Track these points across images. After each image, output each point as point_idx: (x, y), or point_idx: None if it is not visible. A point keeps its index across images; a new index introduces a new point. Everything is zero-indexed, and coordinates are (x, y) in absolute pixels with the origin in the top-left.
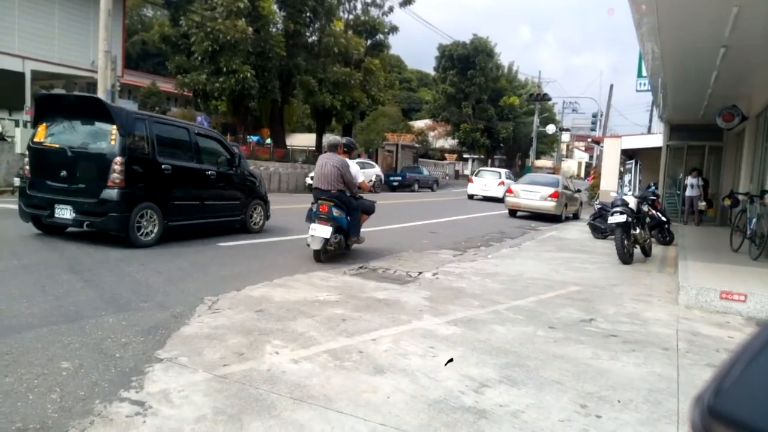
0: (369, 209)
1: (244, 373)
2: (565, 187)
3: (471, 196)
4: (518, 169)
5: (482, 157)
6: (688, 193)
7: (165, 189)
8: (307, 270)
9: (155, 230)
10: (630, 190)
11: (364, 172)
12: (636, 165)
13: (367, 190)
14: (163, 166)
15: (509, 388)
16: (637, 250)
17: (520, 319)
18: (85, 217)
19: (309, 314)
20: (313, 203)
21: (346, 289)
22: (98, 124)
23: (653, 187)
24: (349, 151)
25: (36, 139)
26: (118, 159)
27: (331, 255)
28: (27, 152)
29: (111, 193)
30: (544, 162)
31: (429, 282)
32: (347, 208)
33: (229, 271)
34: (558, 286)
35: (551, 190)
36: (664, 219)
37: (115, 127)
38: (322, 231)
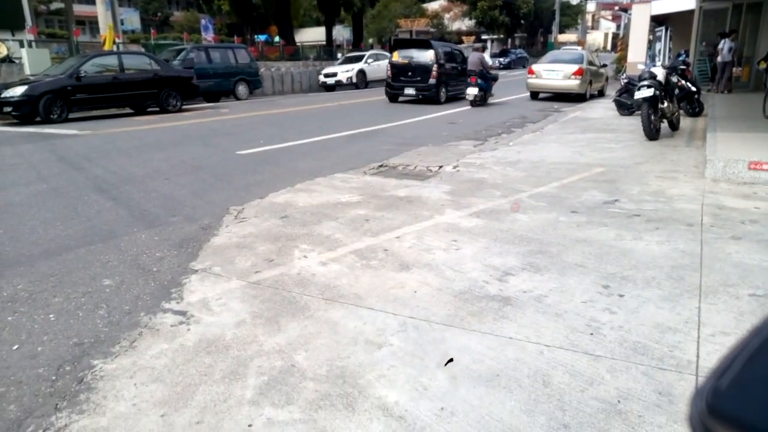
0: (495, 78)
1: (275, 278)
2: (590, 63)
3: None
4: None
5: (502, 36)
6: (724, 58)
7: (447, 80)
8: (327, 173)
9: (446, 95)
10: (659, 60)
11: (378, 64)
12: (666, 32)
13: (493, 69)
14: (447, 66)
15: (532, 275)
16: (665, 125)
17: (542, 206)
18: (419, 93)
19: (333, 217)
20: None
21: (367, 189)
22: (424, 50)
23: (684, 56)
24: (483, 49)
25: (393, 59)
26: (435, 66)
27: (478, 104)
28: (389, 64)
29: (432, 82)
30: (568, 36)
31: (450, 175)
32: (485, 79)
33: (252, 179)
34: (581, 168)
35: (575, 68)
36: (693, 89)
37: (432, 51)
38: (473, 90)
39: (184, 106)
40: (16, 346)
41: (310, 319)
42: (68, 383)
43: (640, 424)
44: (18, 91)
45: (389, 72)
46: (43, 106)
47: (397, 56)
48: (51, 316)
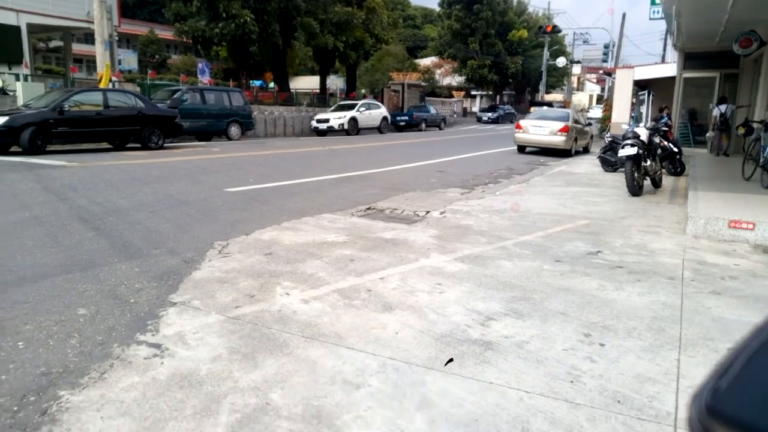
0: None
1: (255, 314)
2: (576, 121)
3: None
4: (528, 105)
5: (490, 93)
6: (717, 120)
7: None
8: (315, 213)
9: None
10: (643, 122)
11: (369, 113)
12: (649, 96)
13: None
14: None
15: (515, 321)
16: (648, 182)
17: (527, 254)
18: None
19: (318, 255)
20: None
21: (354, 230)
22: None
23: (666, 118)
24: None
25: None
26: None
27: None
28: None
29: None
30: (555, 96)
31: (436, 221)
32: None
33: (238, 216)
34: (566, 220)
35: (561, 125)
36: (675, 150)
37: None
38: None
39: (174, 144)
40: None
41: (288, 357)
42: (30, 414)
43: None
44: None
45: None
46: (28, 137)
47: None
48: (20, 343)
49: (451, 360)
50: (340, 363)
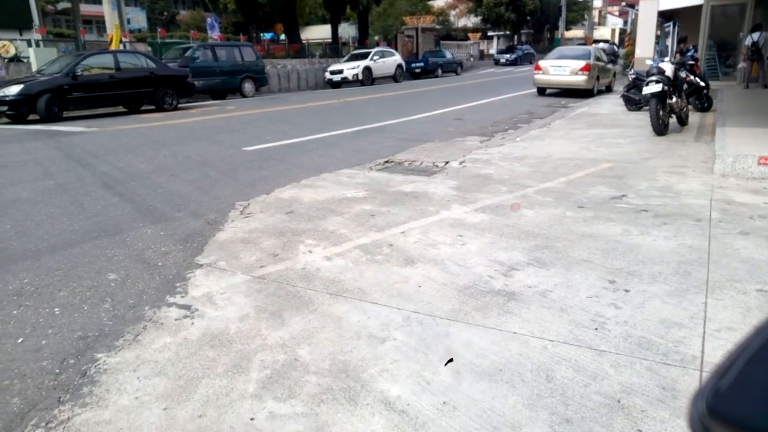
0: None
1: (280, 272)
2: (597, 58)
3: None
4: (547, 43)
5: (508, 33)
6: (748, 49)
7: None
8: (333, 168)
9: None
10: (668, 56)
11: (383, 61)
12: (674, 28)
13: None
14: None
15: (538, 270)
16: (673, 120)
17: (549, 201)
18: None
19: (338, 212)
20: None
21: (373, 185)
22: None
23: (692, 51)
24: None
25: None
26: None
27: None
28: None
29: None
30: (575, 32)
31: (456, 171)
32: None
33: (257, 175)
34: (588, 164)
35: (582, 63)
36: (702, 84)
37: None
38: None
39: (188, 104)
40: (20, 339)
41: (314, 314)
42: (72, 376)
43: (642, 419)
44: (13, 90)
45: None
46: (45, 104)
47: None
48: (56, 309)
49: (451, 360)
50: (365, 318)
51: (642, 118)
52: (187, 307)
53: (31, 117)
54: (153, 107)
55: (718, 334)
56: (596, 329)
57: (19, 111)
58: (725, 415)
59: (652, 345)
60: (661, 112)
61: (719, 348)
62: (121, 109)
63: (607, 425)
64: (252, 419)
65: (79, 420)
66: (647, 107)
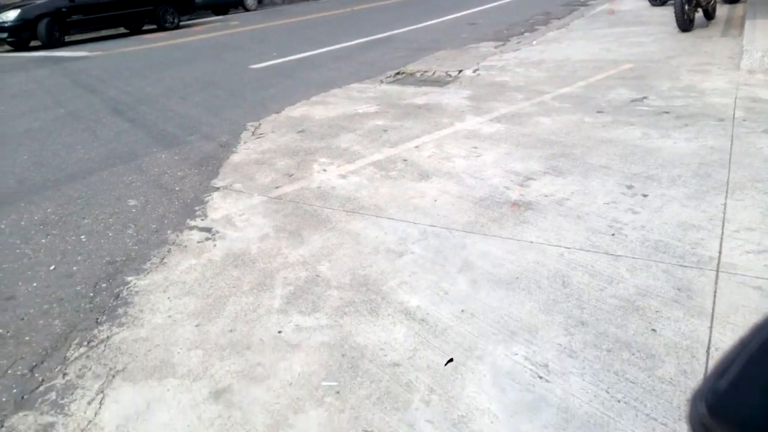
0: None
1: (296, 192)
2: None
3: None
4: None
5: None
6: None
7: None
8: (343, 83)
9: None
10: None
11: None
12: None
13: None
14: None
15: (554, 179)
16: (699, 14)
17: (566, 108)
18: None
19: (350, 129)
20: None
21: (384, 99)
22: None
23: None
24: None
25: None
26: None
27: None
28: None
29: None
30: None
31: (470, 80)
32: None
33: (266, 94)
34: (609, 66)
35: None
36: None
37: None
38: None
39: (191, 22)
40: (52, 267)
41: (332, 231)
42: (105, 299)
43: (657, 319)
44: (11, 15)
45: None
46: (45, 29)
47: None
48: (82, 237)
49: (450, 360)
50: (382, 233)
51: (666, 14)
52: (207, 230)
53: (33, 44)
54: (154, 27)
55: (737, 234)
56: (613, 235)
57: (20, 38)
58: (724, 415)
59: (668, 248)
60: (686, 7)
61: (737, 248)
62: (122, 30)
63: (622, 326)
64: (280, 332)
65: (118, 338)
66: (672, 2)
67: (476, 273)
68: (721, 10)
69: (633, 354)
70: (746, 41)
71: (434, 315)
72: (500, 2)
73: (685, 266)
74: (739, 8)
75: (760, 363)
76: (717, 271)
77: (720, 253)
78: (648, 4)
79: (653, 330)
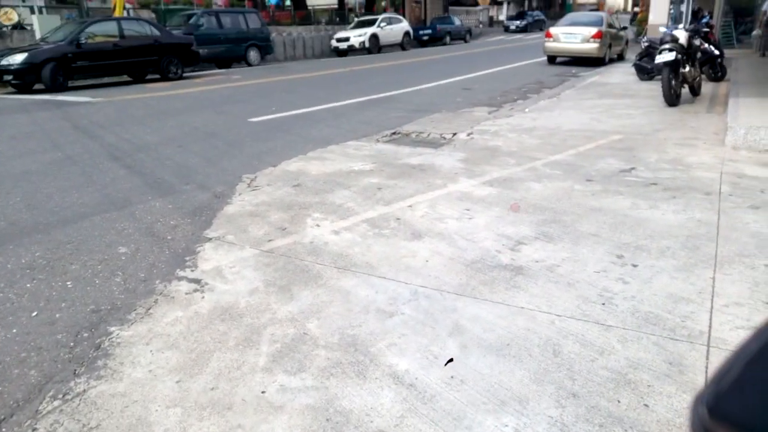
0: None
1: (288, 246)
2: (610, 25)
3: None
4: (559, 9)
5: None
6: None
7: None
8: (340, 140)
9: None
10: (682, 23)
11: (391, 28)
12: None
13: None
14: None
15: (545, 244)
16: (686, 90)
17: (557, 174)
18: None
19: (345, 185)
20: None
21: (380, 157)
22: None
23: (707, 18)
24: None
25: None
26: None
27: None
28: None
29: None
30: None
31: (463, 143)
32: None
33: (264, 147)
34: (598, 136)
35: (594, 31)
36: (717, 53)
37: None
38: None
39: (194, 74)
40: (35, 313)
41: (322, 288)
42: (86, 349)
43: (649, 394)
44: (18, 58)
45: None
46: (50, 73)
47: None
48: (68, 283)
49: (450, 360)
50: (373, 292)
51: (654, 88)
52: (197, 281)
53: (37, 87)
54: (158, 76)
55: (726, 309)
56: (604, 304)
57: (25, 80)
58: (726, 417)
59: (659, 320)
60: (673, 82)
61: (727, 323)
62: (125, 78)
63: (614, 400)
64: (263, 392)
65: (94, 392)
66: (659, 76)
67: (467, 337)
68: (706, 87)
69: (626, 430)
70: (730, 118)
71: (423, 380)
72: (494, 70)
73: (676, 339)
74: (723, 86)
75: (760, 365)
76: (708, 345)
77: (710, 327)
78: (636, 77)
79: (645, 405)
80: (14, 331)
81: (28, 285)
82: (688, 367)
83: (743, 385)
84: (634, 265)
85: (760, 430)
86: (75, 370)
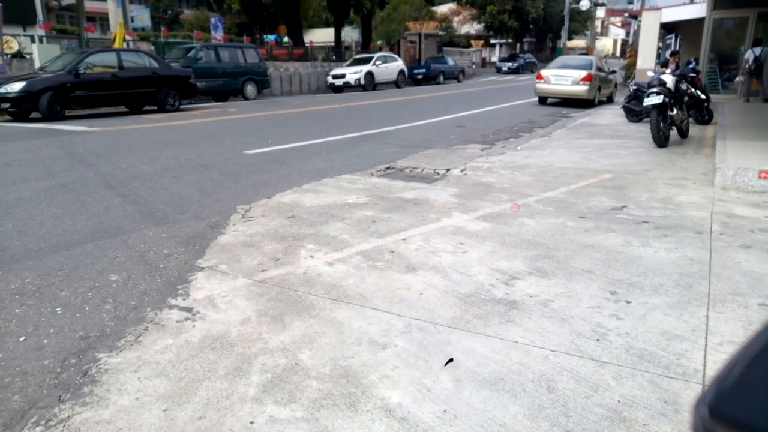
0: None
1: (281, 277)
2: (599, 69)
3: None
4: (549, 52)
5: (510, 41)
6: (749, 63)
7: None
8: (334, 173)
9: None
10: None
11: (386, 66)
12: (676, 40)
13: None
14: None
15: (539, 279)
16: (674, 132)
17: (549, 211)
18: None
19: (339, 217)
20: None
21: (374, 191)
22: None
23: (693, 63)
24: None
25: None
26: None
27: None
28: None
29: None
30: (577, 42)
31: (457, 179)
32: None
33: (259, 179)
34: (589, 174)
35: (583, 73)
36: (703, 97)
37: None
38: None
39: (190, 105)
40: (22, 338)
41: (315, 319)
42: (73, 376)
43: None
44: (16, 87)
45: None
46: (47, 102)
47: None
48: (58, 309)
49: (451, 360)
50: (366, 324)
51: (643, 130)
52: (188, 310)
53: (33, 115)
54: (155, 107)
55: (720, 347)
56: (597, 340)
57: (21, 108)
58: (727, 417)
59: (653, 357)
60: (661, 124)
61: (721, 361)
62: (123, 108)
63: None
64: (252, 423)
65: (78, 419)
66: (648, 119)
67: (460, 371)
68: (694, 130)
69: None
70: (719, 159)
71: (415, 414)
72: (487, 109)
73: (671, 377)
74: (710, 129)
75: (762, 365)
76: (703, 384)
77: (705, 366)
78: (625, 119)
79: None
80: (0, 356)
81: (17, 310)
82: (684, 405)
83: (745, 386)
84: (628, 302)
85: (761, 431)
86: (60, 396)
